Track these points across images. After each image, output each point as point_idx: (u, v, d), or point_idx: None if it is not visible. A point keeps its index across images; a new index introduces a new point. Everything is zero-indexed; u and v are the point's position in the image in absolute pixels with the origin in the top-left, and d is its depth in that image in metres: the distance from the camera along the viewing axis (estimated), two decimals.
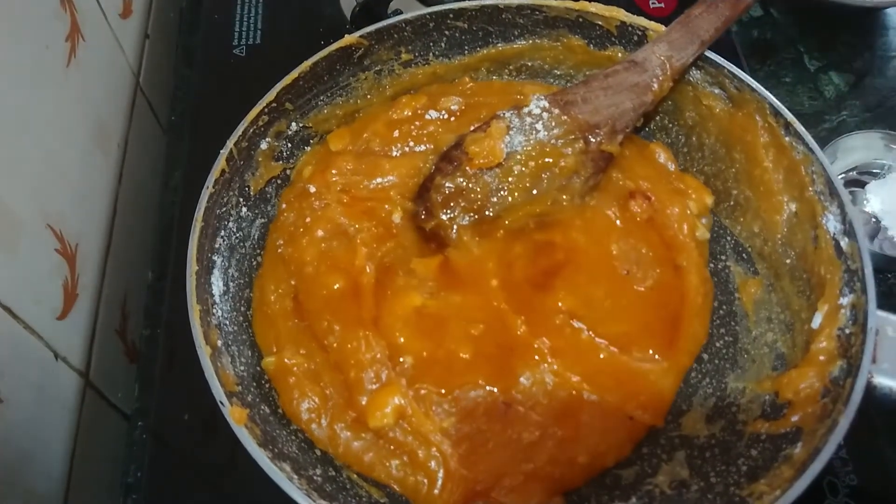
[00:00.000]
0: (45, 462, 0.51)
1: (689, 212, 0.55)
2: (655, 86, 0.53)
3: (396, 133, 0.59)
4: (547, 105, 0.53)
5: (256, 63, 0.73)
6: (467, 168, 0.54)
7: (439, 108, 0.60)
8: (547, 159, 0.53)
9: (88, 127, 0.62)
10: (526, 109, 0.54)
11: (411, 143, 0.59)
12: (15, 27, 0.51)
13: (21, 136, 0.52)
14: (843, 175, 0.69)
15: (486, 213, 0.54)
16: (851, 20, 0.80)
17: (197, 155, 0.67)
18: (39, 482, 0.50)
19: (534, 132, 0.53)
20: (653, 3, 0.78)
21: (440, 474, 0.46)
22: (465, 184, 0.54)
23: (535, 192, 0.53)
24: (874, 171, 0.68)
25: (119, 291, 0.65)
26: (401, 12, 0.72)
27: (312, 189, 0.56)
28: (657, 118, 0.60)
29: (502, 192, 0.54)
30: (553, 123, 0.53)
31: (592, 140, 0.53)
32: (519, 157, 0.53)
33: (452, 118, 0.59)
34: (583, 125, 0.53)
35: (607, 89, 0.54)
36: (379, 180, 0.57)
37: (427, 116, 0.59)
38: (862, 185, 0.67)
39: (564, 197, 0.53)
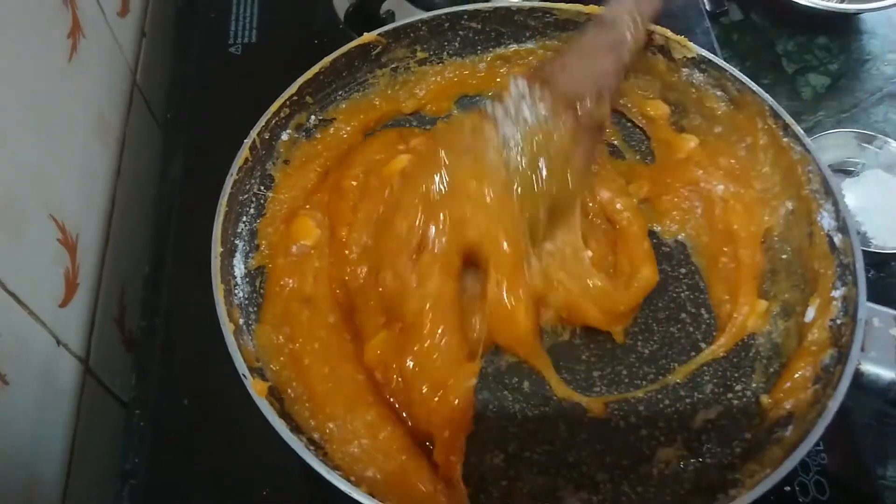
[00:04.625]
0: (46, 445, 0.52)
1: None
2: (630, 39, 0.52)
3: None
4: (526, 84, 0.50)
5: (252, 61, 0.74)
6: None
7: None
8: (540, 143, 0.49)
9: (89, 122, 0.63)
10: (507, 95, 0.51)
11: None
12: (21, 22, 0.53)
13: (25, 129, 0.53)
14: None
15: None
16: (828, 25, 0.82)
17: (192, 150, 0.68)
18: (41, 465, 0.51)
19: (521, 117, 0.50)
20: None
21: None
22: None
23: (538, 180, 0.50)
24: (848, 168, 0.71)
25: (117, 282, 0.66)
26: (393, 13, 0.74)
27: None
28: None
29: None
30: (537, 101, 0.50)
31: (581, 111, 0.51)
32: (514, 150, 0.50)
33: None
34: (567, 97, 0.50)
35: (583, 56, 0.53)
36: None
37: None
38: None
39: (570, 178, 0.50)
